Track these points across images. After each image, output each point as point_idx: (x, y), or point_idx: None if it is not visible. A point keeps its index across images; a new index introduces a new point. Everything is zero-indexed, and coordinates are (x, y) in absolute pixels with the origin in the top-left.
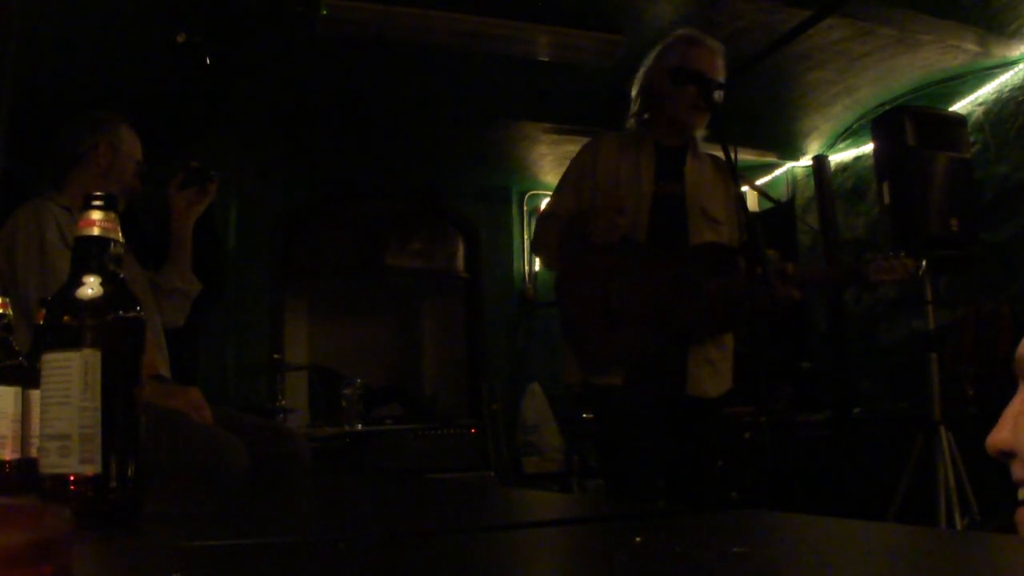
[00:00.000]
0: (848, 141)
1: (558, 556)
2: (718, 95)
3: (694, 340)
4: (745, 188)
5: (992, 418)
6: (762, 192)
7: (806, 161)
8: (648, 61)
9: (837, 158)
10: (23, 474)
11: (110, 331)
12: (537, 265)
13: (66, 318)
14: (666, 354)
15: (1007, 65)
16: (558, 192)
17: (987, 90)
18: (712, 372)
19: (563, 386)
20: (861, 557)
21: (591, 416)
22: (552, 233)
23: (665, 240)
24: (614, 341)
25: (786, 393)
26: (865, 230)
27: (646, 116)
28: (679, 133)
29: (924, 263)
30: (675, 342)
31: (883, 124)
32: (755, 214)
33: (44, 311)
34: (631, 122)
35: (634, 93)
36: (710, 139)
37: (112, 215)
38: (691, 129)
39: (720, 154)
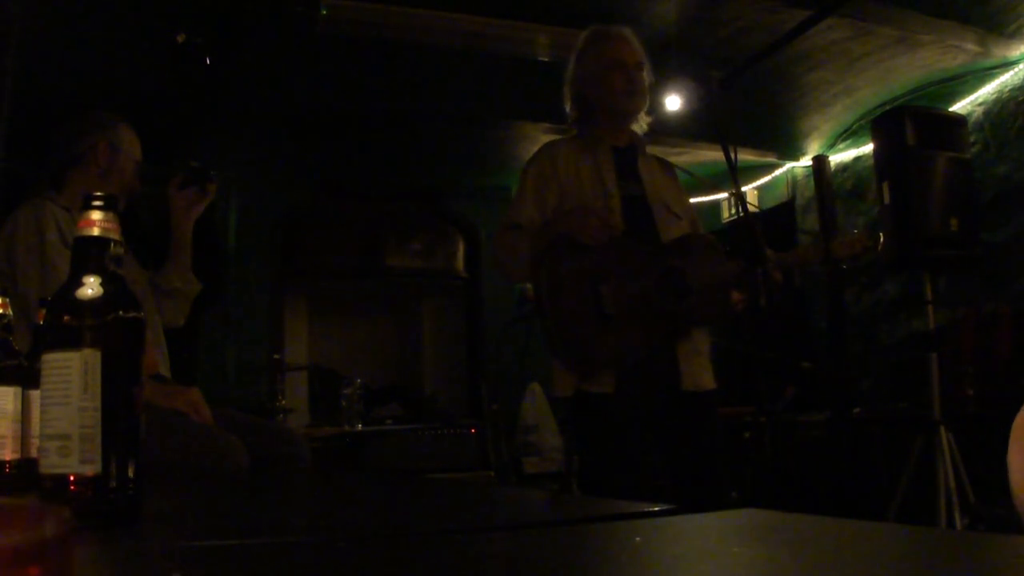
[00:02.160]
0: (848, 141)
1: (558, 556)
2: (647, 75)
3: (681, 334)
4: (745, 188)
5: (992, 418)
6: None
7: (806, 161)
8: (569, 72)
9: (837, 158)
10: (23, 474)
11: (110, 331)
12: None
13: (66, 318)
14: (657, 352)
15: (1007, 65)
16: (519, 202)
17: (987, 90)
18: (703, 363)
19: (555, 398)
20: (861, 557)
21: (577, 426)
22: (522, 243)
23: (640, 239)
24: (609, 345)
25: (787, 393)
26: (865, 230)
27: (584, 124)
28: (623, 128)
29: (881, 237)
30: (664, 338)
31: (883, 124)
32: (754, 214)
33: (44, 311)
34: (573, 131)
35: (568, 107)
36: (710, 139)
37: (112, 215)
38: (632, 115)
39: (720, 154)
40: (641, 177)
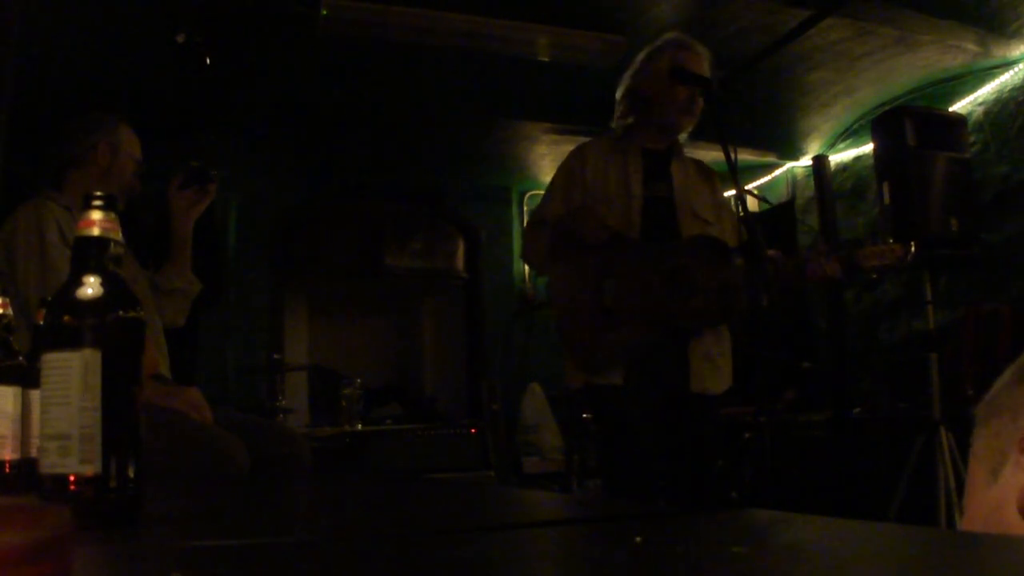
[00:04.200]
0: (848, 141)
1: (558, 556)
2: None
3: (693, 334)
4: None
5: None
6: (758, 196)
7: (806, 161)
8: (636, 64)
9: (837, 158)
10: (23, 474)
11: (110, 331)
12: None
13: (66, 318)
14: (667, 351)
15: (1007, 65)
16: (547, 199)
17: (987, 90)
18: (713, 368)
19: (563, 387)
20: (861, 557)
21: (591, 417)
22: (542, 239)
23: (655, 239)
24: (612, 340)
25: (788, 394)
26: (865, 230)
27: (631, 120)
28: (666, 136)
29: (913, 246)
30: (675, 338)
31: (883, 124)
32: (755, 214)
33: (44, 311)
34: (616, 125)
35: (619, 96)
36: (710, 139)
37: (112, 215)
38: (679, 131)
39: (720, 154)
40: (672, 179)
